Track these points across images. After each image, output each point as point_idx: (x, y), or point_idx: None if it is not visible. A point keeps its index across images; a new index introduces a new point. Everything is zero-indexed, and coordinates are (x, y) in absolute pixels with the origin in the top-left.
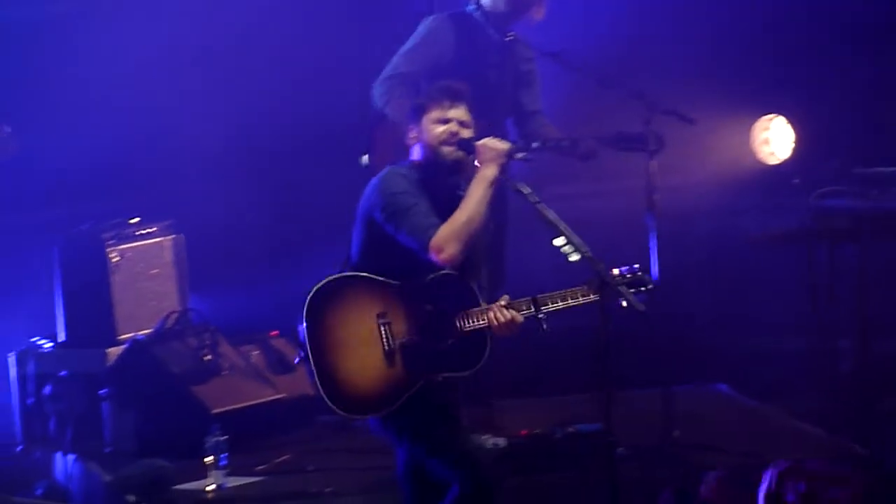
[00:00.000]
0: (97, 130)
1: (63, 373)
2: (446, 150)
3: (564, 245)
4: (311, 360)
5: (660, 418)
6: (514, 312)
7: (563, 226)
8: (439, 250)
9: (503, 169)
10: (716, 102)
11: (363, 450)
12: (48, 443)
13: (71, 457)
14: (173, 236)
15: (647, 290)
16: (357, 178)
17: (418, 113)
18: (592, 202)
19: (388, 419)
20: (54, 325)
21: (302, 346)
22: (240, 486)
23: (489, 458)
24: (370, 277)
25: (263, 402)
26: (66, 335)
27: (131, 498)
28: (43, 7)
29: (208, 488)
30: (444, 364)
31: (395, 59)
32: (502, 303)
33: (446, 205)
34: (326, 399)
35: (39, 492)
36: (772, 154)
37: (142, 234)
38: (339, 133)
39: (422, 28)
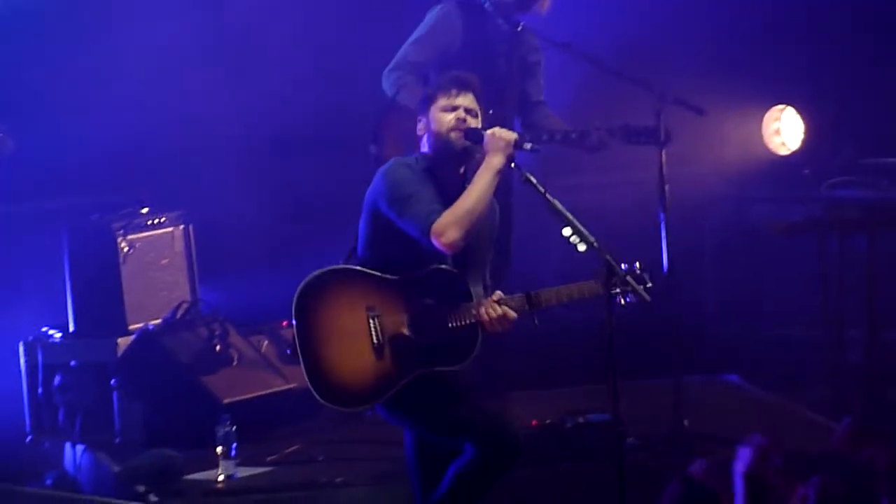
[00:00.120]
0: (108, 121)
1: (73, 363)
2: (454, 136)
3: (572, 235)
4: (300, 353)
5: (670, 408)
6: (505, 308)
7: (570, 216)
8: (440, 235)
9: (510, 159)
10: (726, 93)
11: (373, 440)
12: (57, 433)
13: (80, 447)
14: (183, 226)
15: (646, 288)
16: (366, 169)
17: (426, 103)
18: (602, 193)
19: (393, 409)
20: (64, 315)
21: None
22: (250, 476)
23: (509, 420)
24: (361, 270)
25: (273, 392)
26: (76, 325)
27: (141, 488)
28: None
29: (218, 478)
30: (434, 358)
31: (404, 49)
32: (494, 298)
33: (454, 195)
34: (313, 390)
35: (49, 482)
36: (782, 145)
37: (152, 225)
38: (348, 123)
39: (430, 17)
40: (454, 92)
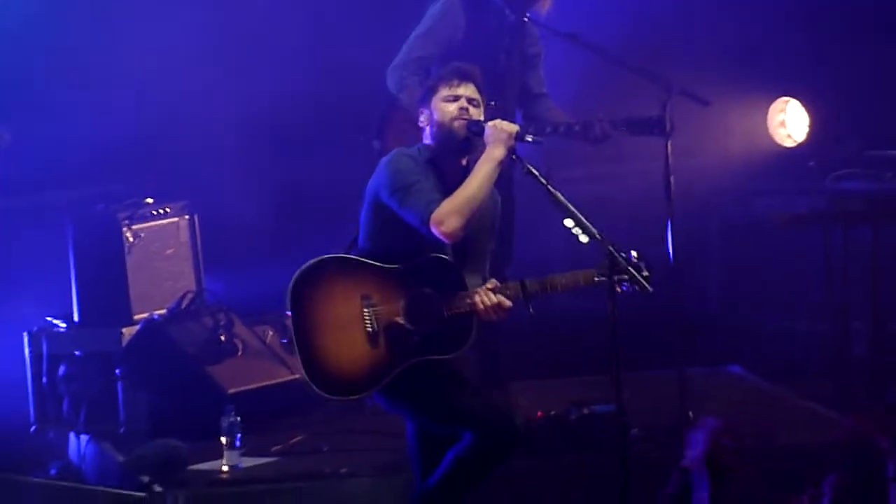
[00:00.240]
0: (112, 113)
1: (77, 353)
2: (457, 125)
3: (574, 227)
4: (295, 341)
5: (674, 399)
6: (500, 297)
7: (572, 208)
8: (440, 223)
9: (512, 151)
10: (731, 85)
11: (377, 431)
12: (62, 423)
13: (85, 437)
14: (188, 217)
15: (629, 279)
16: (369, 162)
17: (428, 94)
18: (607, 185)
19: (392, 398)
20: (69, 305)
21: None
22: (254, 466)
23: (508, 408)
24: (356, 259)
25: (278, 383)
26: (81, 315)
27: (145, 478)
28: None
29: (223, 469)
30: (429, 347)
31: (409, 44)
32: (489, 287)
33: (455, 186)
34: (307, 379)
35: (53, 472)
36: (787, 137)
37: (157, 215)
38: (353, 114)
39: (433, 11)
40: (456, 82)
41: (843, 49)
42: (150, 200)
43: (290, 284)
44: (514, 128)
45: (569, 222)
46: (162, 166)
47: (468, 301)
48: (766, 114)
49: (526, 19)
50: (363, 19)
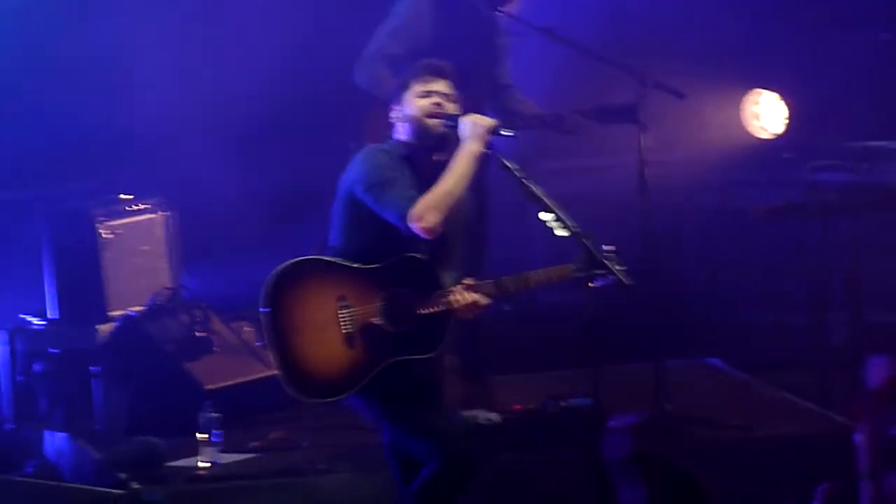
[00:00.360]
0: (88, 107)
1: (54, 350)
2: (432, 122)
3: (551, 220)
4: (271, 344)
5: (652, 392)
6: (476, 295)
7: (550, 201)
8: (419, 219)
9: (488, 145)
10: (706, 77)
11: (356, 427)
12: (39, 421)
13: (62, 434)
14: (165, 213)
15: (605, 273)
16: (348, 157)
17: (400, 90)
18: (583, 178)
19: (366, 400)
20: (44, 303)
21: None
22: (233, 462)
23: (468, 435)
24: (331, 261)
25: (256, 379)
26: (57, 312)
27: (123, 475)
28: None
29: (201, 465)
30: (406, 346)
31: (378, 39)
32: (465, 284)
33: (430, 183)
34: (285, 382)
35: (30, 470)
36: (762, 128)
37: (133, 211)
38: (333, 110)
39: (401, 5)
40: (428, 78)
41: (819, 40)
42: (125, 197)
43: (265, 288)
44: (490, 122)
45: (545, 216)
46: (138, 162)
47: (444, 300)
48: (741, 106)
49: (499, 12)
50: (344, 12)
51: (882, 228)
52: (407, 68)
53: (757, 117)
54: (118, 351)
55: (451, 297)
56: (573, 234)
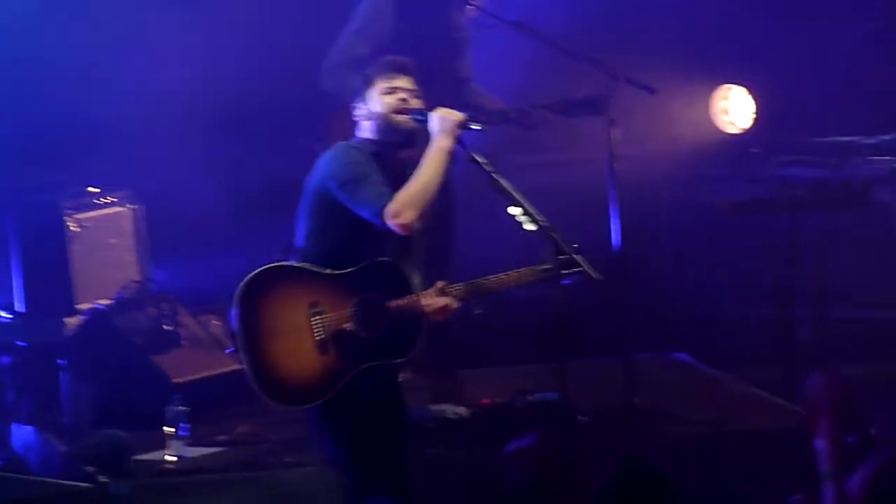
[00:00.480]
0: (56, 99)
1: (21, 343)
2: (399, 119)
3: (519, 215)
4: (243, 351)
5: (620, 386)
6: (447, 299)
7: (518, 195)
8: (396, 215)
9: (458, 139)
10: (676, 72)
11: None
12: (5, 414)
13: (29, 428)
14: (133, 206)
15: (575, 272)
16: (314, 157)
17: (364, 88)
18: (552, 173)
19: (323, 425)
20: (11, 295)
21: (235, 335)
22: (200, 456)
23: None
24: (302, 267)
25: (224, 372)
26: (24, 305)
27: (90, 469)
28: None
29: (168, 459)
30: (377, 352)
31: (342, 42)
32: (438, 287)
33: (397, 181)
34: (259, 390)
35: None
36: (731, 123)
37: (101, 204)
38: (303, 103)
39: (363, 6)
40: (391, 74)
41: (787, 35)
42: (93, 189)
43: (237, 295)
44: (459, 116)
45: (514, 210)
46: (106, 155)
47: (416, 304)
48: (710, 101)
49: (470, 6)
50: (318, 6)
51: (850, 224)
52: (369, 66)
53: (726, 112)
54: (85, 344)
55: (424, 301)
56: (541, 228)
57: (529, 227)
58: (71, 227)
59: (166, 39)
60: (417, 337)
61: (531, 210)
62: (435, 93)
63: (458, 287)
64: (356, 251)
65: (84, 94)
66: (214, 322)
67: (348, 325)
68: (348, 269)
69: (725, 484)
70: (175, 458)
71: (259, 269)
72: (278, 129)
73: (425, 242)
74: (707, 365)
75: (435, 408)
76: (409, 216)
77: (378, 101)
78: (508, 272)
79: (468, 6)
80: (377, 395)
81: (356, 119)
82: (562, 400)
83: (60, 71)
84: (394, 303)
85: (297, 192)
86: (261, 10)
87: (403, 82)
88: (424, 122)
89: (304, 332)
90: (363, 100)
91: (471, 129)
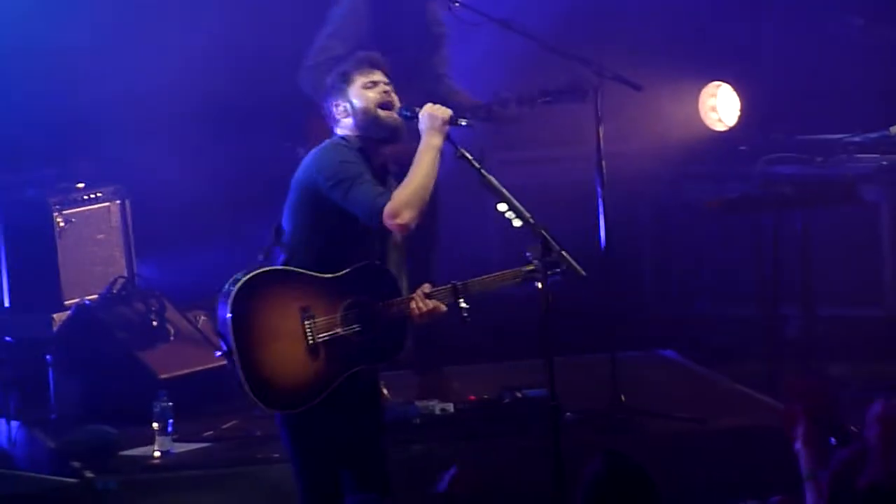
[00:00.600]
0: (44, 95)
1: (8, 338)
2: (384, 114)
3: (507, 211)
4: (237, 356)
5: (607, 384)
6: (436, 302)
7: (506, 192)
8: (395, 215)
9: (447, 136)
10: (663, 69)
11: None
12: None
13: (15, 423)
14: (120, 201)
15: (561, 271)
16: (297, 161)
17: (343, 85)
18: (539, 170)
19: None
20: None
21: (223, 338)
22: (186, 451)
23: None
24: (292, 271)
25: (211, 368)
26: (11, 300)
27: (76, 464)
28: None
29: (155, 454)
30: (368, 354)
31: (319, 44)
32: (425, 291)
33: (379, 177)
34: (252, 395)
35: None
36: (718, 121)
37: (88, 199)
38: (290, 99)
39: (339, 7)
40: (368, 70)
41: (774, 33)
42: (81, 185)
43: (230, 302)
44: (448, 112)
45: (502, 206)
46: (94, 151)
47: (404, 307)
48: (698, 98)
49: (456, 4)
50: (305, 4)
51: (835, 222)
52: (343, 63)
53: (713, 110)
54: (72, 339)
55: (412, 305)
56: (529, 224)
57: (517, 223)
58: (59, 223)
59: (153, 36)
60: (405, 339)
61: (519, 206)
62: (414, 89)
63: (445, 289)
64: (343, 251)
65: (71, 90)
66: (202, 318)
67: (339, 329)
68: (338, 273)
69: (710, 481)
70: (162, 454)
71: (250, 275)
72: (266, 126)
73: (407, 243)
74: (693, 362)
75: (422, 404)
76: (407, 216)
77: (360, 97)
78: (493, 274)
79: (455, 4)
80: (355, 396)
81: (336, 117)
82: (548, 396)
83: (47, 67)
84: (384, 306)
85: (284, 188)
86: (250, 4)
87: (380, 76)
88: (413, 118)
89: (296, 337)
90: (342, 97)
91: (459, 125)
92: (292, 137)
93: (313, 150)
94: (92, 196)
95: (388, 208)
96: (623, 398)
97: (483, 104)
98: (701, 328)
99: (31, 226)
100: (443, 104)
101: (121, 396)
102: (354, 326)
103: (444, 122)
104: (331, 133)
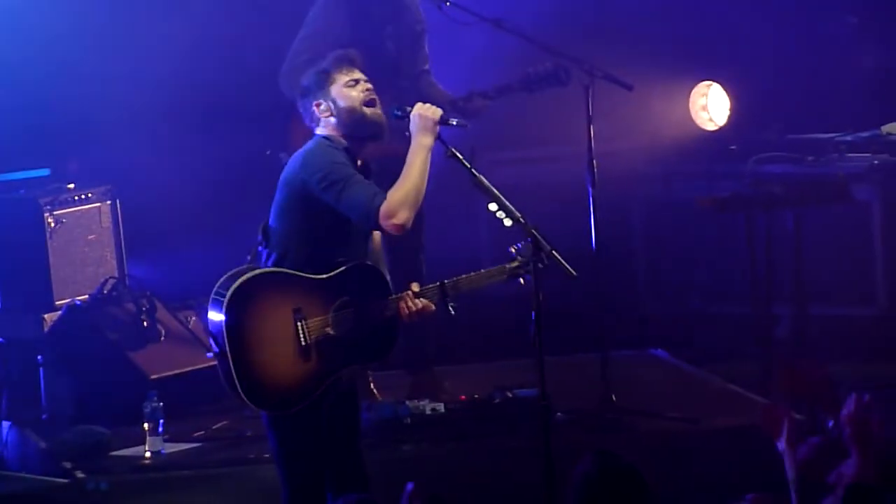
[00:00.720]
0: (34, 95)
1: None
2: (370, 111)
3: (498, 211)
4: (232, 363)
5: (598, 383)
6: (425, 301)
7: (496, 191)
8: (391, 216)
9: (437, 136)
10: (654, 69)
11: None
12: None
13: (6, 423)
14: (111, 201)
15: (543, 266)
16: (281, 167)
17: (324, 84)
18: (530, 169)
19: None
20: None
21: (215, 339)
22: (177, 452)
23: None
24: (285, 272)
25: (201, 368)
26: (2, 301)
27: (67, 464)
28: None
29: (145, 454)
30: (358, 354)
31: (296, 47)
32: (414, 290)
33: (366, 174)
34: (246, 398)
35: None
36: (709, 120)
37: (79, 200)
38: (278, 97)
39: (315, 9)
40: (347, 68)
41: (766, 33)
42: (71, 185)
43: (224, 305)
44: (438, 112)
45: (493, 206)
46: (84, 151)
47: (394, 307)
48: (689, 98)
49: (447, 3)
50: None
51: (827, 221)
52: (321, 62)
53: (704, 109)
54: (63, 340)
55: (401, 304)
56: (520, 224)
57: (508, 223)
58: (49, 223)
59: (144, 35)
60: (395, 338)
61: (509, 206)
62: (397, 88)
63: (433, 288)
64: (331, 251)
65: (62, 89)
66: (192, 318)
67: (330, 330)
68: (329, 273)
69: (702, 481)
70: (152, 454)
71: (243, 279)
72: (256, 126)
73: (390, 243)
74: (684, 362)
75: (412, 404)
76: (403, 217)
77: (343, 96)
78: (480, 271)
79: (446, 3)
80: (335, 396)
81: (318, 116)
82: (539, 396)
83: (37, 67)
84: (374, 306)
85: (273, 188)
86: (239, 3)
87: (359, 75)
88: (403, 118)
89: (289, 338)
90: (323, 96)
91: (451, 124)
92: (274, 143)
93: (299, 151)
94: (82, 196)
95: (383, 209)
96: (614, 398)
97: (451, 100)
98: (692, 327)
99: (21, 226)
100: (429, 101)
101: (112, 397)
102: (344, 326)
103: (435, 122)
104: (311, 135)
